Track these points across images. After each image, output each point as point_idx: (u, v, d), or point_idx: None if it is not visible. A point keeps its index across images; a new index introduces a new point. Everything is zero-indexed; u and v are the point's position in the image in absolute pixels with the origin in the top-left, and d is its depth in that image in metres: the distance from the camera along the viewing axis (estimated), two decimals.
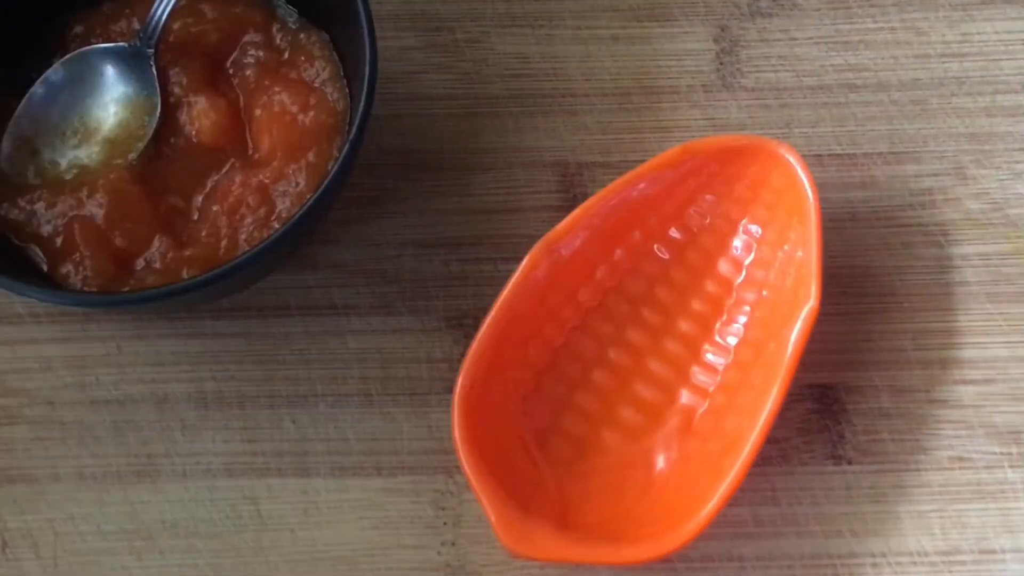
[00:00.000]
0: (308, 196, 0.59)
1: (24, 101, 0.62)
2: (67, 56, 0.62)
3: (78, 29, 0.64)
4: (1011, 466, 0.62)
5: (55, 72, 0.62)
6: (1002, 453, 0.62)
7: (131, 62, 0.62)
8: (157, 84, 0.62)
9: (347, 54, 0.62)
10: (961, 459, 0.62)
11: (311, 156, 0.61)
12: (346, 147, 0.58)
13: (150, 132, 0.61)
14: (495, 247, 0.65)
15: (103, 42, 0.63)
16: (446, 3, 0.68)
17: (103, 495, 0.62)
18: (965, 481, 0.62)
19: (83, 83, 0.62)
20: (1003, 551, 0.61)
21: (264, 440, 0.62)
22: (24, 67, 0.63)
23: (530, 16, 0.68)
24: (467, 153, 0.66)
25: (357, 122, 0.58)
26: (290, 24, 0.64)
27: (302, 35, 0.63)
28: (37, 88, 0.62)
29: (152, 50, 0.62)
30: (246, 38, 0.63)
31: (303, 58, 0.63)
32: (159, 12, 0.62)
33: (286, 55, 0.63)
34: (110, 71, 0.62)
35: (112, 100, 0.62)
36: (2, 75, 0.63)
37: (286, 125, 0.61)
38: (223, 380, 0.63)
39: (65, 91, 0.62)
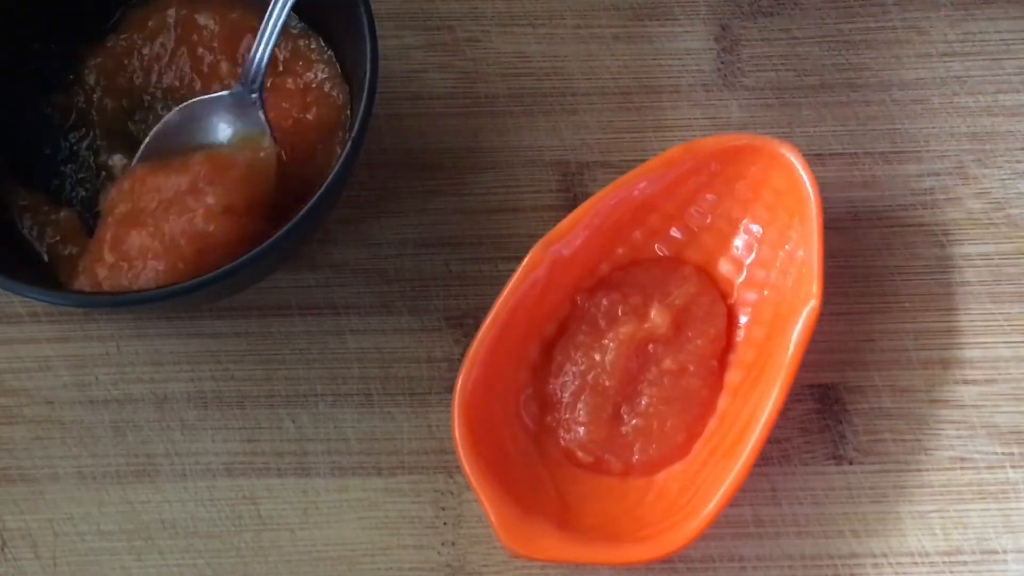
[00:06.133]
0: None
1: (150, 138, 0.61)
2: (178, 108, 0.61)
3: (91, 64, 0.63)
4: (1012, 466, 0.62)
5: (172, 116, 0.61)
6: (1004, 453, 0.62)
7: (235, 109, 0.61)
8: (267, 125, 0.60)
9: (347, 54, 0.62)
10: (962, 459, 0.62)
11: (315, 155, 0.61)
12: (347, 147, 0.58)
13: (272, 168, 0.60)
14: (495, 247, 0.64)
15: (118, 80, 0.63)
16: (446, 2, 0.68)
17: (102, 495, 0.61)
18: (966, 481, 0.61)
19: (197, 128, 0.61)
20: (1004, 551, 0.61)
21: (264, 440, 0.62)
22: (36, 89, 0.64)
23: (530, 15, 0.68)
24: (467, 153, 0.66)
25: (358, 122, 0.58)
26: (290, 27, 0.64)
27: (301, 40, 0.63)
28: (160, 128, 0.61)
29: (257, 95, 0.60)
30: (243, 44, 0.63)
31: (301, 63, 0.63)
32: (259, 57, 0.60)
33: (285, 56, 0.63)
34: (216, 119, 0.61)
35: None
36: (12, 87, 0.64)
37: (289, 133, 0.61)
38: (223, 380, 0.63)
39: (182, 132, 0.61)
